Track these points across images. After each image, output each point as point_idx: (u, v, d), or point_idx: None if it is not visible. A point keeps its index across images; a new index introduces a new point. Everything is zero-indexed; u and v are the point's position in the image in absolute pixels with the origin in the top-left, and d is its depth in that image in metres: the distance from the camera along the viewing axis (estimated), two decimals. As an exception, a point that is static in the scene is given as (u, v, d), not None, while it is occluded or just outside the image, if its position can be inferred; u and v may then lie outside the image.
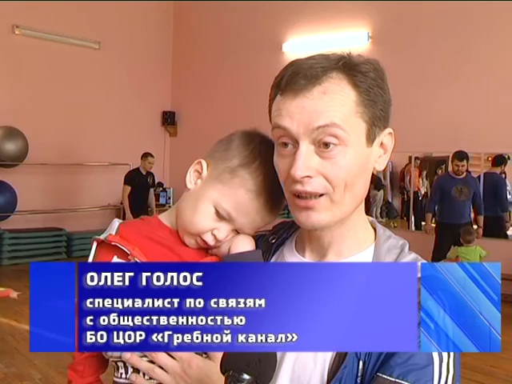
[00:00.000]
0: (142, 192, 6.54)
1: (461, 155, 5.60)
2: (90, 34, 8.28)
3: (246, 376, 0.70)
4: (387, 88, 0.79)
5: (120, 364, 0.85)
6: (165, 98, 9.46)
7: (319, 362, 0.79)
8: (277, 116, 0.78)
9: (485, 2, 5.88)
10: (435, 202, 5.73)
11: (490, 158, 6.30)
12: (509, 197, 6.16)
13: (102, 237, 0.89)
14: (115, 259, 0.87)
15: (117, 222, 0.93)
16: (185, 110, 9.35)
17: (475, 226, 5.67)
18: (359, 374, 0.75)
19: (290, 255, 0.90)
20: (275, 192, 0.85)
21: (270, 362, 0.72)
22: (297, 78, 0.75)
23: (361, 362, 0.76)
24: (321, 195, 0.77)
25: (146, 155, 6.65)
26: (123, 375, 0.85)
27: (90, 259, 0.89)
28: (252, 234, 0.91)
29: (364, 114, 0.77)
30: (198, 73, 9.00)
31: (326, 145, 0.75)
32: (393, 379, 0.72)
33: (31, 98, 7.61)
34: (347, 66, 0.76)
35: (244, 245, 0.88)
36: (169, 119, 9.42)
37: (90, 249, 0.90)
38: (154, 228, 0.92)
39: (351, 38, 7.08)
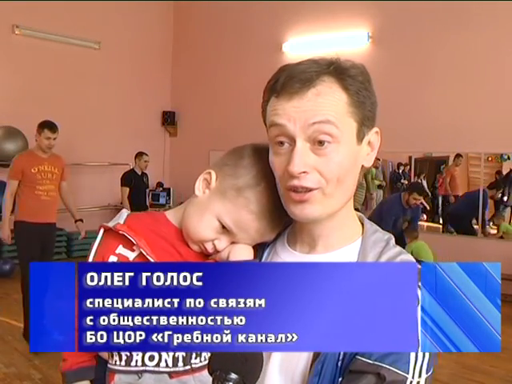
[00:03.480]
0: (140, 193, 6.49)
1: (422, 190, 5.57)
2: (90, 34, 8.27)
3: (233, 375, 0.70)
4: (373, 90, 0.85)
5: (114, 352, 0.87)
6: (165, 97, 9.45)
7: None
8: (273, 115, 0.83)
9: (485, 2, 5.88)
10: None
11: (490, 158, 6.31)
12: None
13: (109, 224, 0.92)
14: (120, 248, 0.90)
15: (125, 213, 0.96)
16: (185, 109, 9.35)
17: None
18: (340, 358, 0.78)
19: (282, 248, 0.94)
20: (277, 213, 0.88)
21: (256, 361, 0.72)
22: (292, 81, 0.80)
23: None
24: (314, 189, 0.81)
25: (140, 154, 6.58)
26: (117, 362, 0.87)
27: (96, 245, 0.92)
28: (251, 245, 0.92)
29: (355, 114, 0.82)
30: (198, 73, 9.00)
31: (321, 142, 0.80)
32: (371, 362, 0.75)
33: (31, 98, 7.60)
34: (338, 71, 0.82)
35: (242, 254, 0.90)
36: (169, 119, 9.41)
37: (96, 236, 0.92)
38: (160, 223, 0.95)
39: (351, 37, 7.07)
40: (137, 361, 0.86)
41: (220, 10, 8.60)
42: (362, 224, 0.92)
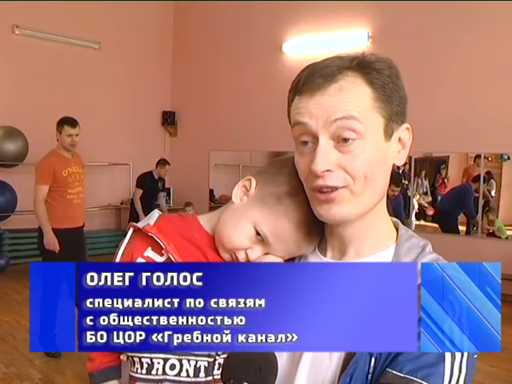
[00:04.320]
0: (151, 195, 6.58)
1: (398, 180, 5.76)
2: (90, 33, 8.27)
3: None
4: (402, 84, 0.81)
5: (136, 359, 0.86)
6: (165, 97, 9.45)
7: (334, 357, 0.79)
8: (296, 114, 0.80)
9: (485, 1, 5.88)
10: None
11: (490, 158, 6.31)
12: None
13: (140, 224, 0.90)
14: (149, 250, 0.88)
15: (157, 213, 0.93)
16: (185, 109, 9.34)
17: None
18: (370, 371, 0.75)
19: (312, 254, 0.90)
20: (316, 225, 0.85)
21: (271, 371, 0.71)
22: (313, 77, 0.78)
23: (373, 359, 0.76)
24: (341, 187, 0.78)
25: (164, 163, 6.65)
26: (139, 370, 0.86)
27: (124, 244, 0.90)
28: (285, 258, 0.89)
29: (381, 109, 0.78)
30: (198, 73, 9.00)
31: (345, 139, 0.76)
32: (402, 375, 0.72)
33: (31, 98, 7.59)
34: (362, 65, 0.78)
35: None
36: (169, 119, 9.41)
37: (126, 234, 0.90)
38: (192, 228, 0.92)
39: (351, 37, 7.07)
40: (158, 369, 0.84)
41: (220, 9, 8.60)
42: (397, 229, 0.88)
